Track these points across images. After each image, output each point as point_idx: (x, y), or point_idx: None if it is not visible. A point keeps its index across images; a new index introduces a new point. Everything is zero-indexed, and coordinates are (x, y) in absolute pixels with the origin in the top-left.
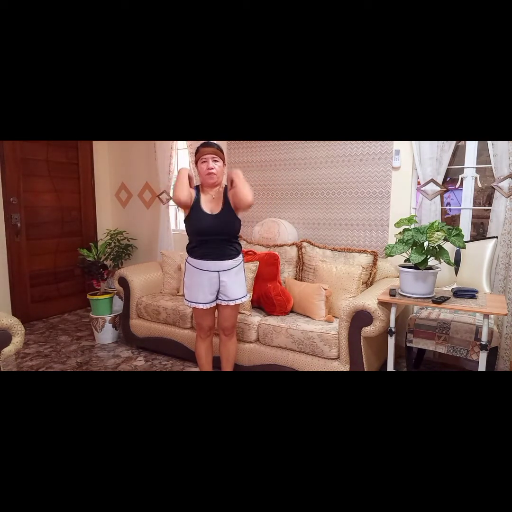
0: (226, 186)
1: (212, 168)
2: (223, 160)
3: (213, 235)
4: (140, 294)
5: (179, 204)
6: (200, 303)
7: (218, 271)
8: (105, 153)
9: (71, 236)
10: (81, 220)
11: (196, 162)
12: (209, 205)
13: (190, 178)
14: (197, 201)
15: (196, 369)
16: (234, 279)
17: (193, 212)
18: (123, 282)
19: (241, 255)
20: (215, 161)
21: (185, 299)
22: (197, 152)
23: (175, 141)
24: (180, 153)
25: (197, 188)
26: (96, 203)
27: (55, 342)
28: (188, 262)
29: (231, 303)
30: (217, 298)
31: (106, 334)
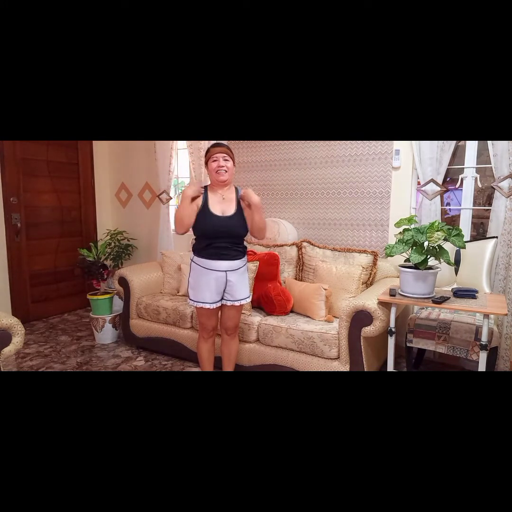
0: (236, 188)
1: (223, 166)
2: (233, 161)
3: (222, 237)
4: (140, 294)
5: (187, 228)
6: (207, 302)
7: (226, 271)
8: (105, 153)
9: (71, 236)
10: (81, 220)
11: (206, 162)
12: (219, 206)
13: (199, 194)
14: (205, 202)
15: (197, 369)
16: (240, 279)
17: (201, 214)
18: (123, 282)
19: (246, 256)
20: (226, 160)
21: (190, 299)
22: (208, 152)
23: (175, 141)
24: (180, 153)
25: (205, 189)
26: (96, 203)
27: (55, 342)
28: (194, 262)
29: (237, 303)
30: (222, 298)
31: (106, 334)
